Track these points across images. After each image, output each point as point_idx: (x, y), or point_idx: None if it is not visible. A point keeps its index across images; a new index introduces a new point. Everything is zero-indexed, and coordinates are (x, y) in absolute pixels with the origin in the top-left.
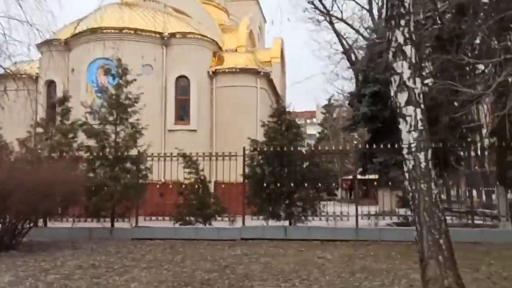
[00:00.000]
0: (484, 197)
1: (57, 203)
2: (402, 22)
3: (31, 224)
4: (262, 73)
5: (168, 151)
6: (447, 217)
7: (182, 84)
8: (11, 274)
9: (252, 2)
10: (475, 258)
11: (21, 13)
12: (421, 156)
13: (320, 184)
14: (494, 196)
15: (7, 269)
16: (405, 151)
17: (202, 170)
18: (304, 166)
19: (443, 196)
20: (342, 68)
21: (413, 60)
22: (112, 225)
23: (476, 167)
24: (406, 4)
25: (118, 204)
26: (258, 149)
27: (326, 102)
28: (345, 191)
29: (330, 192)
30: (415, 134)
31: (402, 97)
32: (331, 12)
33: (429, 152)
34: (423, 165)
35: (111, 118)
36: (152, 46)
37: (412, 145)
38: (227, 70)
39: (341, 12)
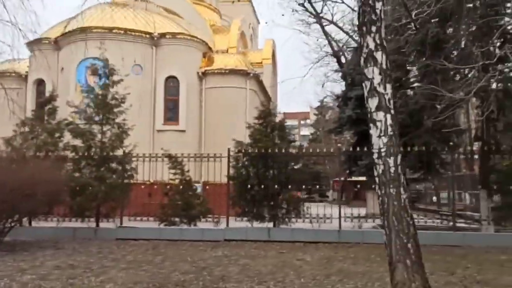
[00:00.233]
0: (471, 201)
1: (40, 202)
2: (373, 29)
3: (13, 224)
4: (251, 75)
5: (157, 151)
6: (435, 220)
7: (172, 85)
8: None
9: (245, 3)
10: (453, 261)
11: (4, 12)
12: (391, 161)
13: (304, 186)
14: None
15: None
16: (375, 156)
17: (188, 171)
18: (289, 167)
19: (434, 199)
20: (332, 70)
21: (384, 66)
22: (97, 225)
23: (465, 170)
24: (377, 11)
25: (103, 204)
26: (243, 150)
27: (319, 104)
28: (337, 193)
29: (322, 194)
30: (385, 139)
31: (373, 103)
32: (321, 15)
33: (399, 157)
34: (392, 169)
35: (97, 118)
36: (141, 46)
37: (382, 150)
38: (216, 71)
39: (332, 15)
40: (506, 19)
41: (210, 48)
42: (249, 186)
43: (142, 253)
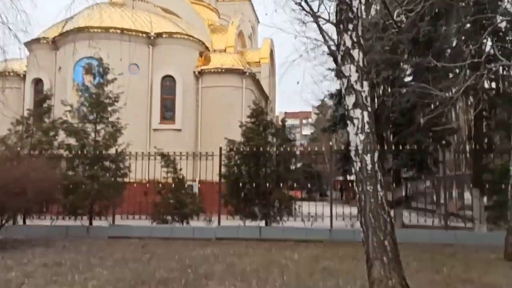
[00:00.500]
0: (467, 200)
1: (30, 201)
2: (350, 27)
3: (4, 222)
4: (247, 74)
5: (153, 150)
6: (428, 219)
7: (168, 84)
8: None
9: (244, 2)
10: (441, 260)
11: None
12: (368, 158)
13: (297, 184)
14: None
15: None
16: (352, 153)
17: (181, 169)
18: (281, 166)
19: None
20: (329, 69)
21: (361, 64)
22: (90, 223)
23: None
24: (354, 9)
25: (96, 202)
26: (235, 149)
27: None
28: (337, 192)
29: (322, 193)
30: (361, 137)
31: (350, 100)
32: (318, 14)
33: (376, 154)
34: (369, 167)
35: (91, 117)
36: (138, 45)
37: (359, 147)
38: (212, 70)
39: (329, 13)
40: (498, 17)
41: (207, 48)
42: (241, 184)
43: (131, 251)
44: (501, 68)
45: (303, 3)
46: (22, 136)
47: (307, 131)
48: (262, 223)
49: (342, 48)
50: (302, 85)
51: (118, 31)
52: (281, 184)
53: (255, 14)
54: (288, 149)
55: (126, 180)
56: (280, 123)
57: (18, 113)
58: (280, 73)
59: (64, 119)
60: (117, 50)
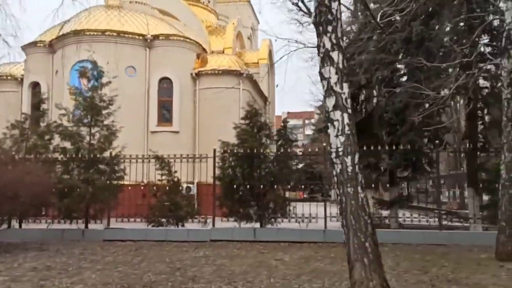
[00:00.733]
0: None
1: (24, 205)
2: (329, 28)
3: None
4: (245, 75)
5: (151, 153)
6: (423, 219)
7: (165, 86)
8: None
9: (243, 3)
10: (431, 260)
11: None
12: (348, 160)
13: (290, 186)
14: None
15: None
16: (333, 155)
17: (175, 171)
18: (275, 168)
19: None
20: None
21: (340, 66)
22: (86, 226)
23: (463, 169)
24: (333, 11)
25: (91, 205)
26: (229, 151)
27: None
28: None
29: (324, 194)
30: (342, 139)
31: (330, 102)
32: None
33: (356, 156)
34: (349, 169)
35: (85, 120)
36: (135, 48)
37: (340, 149)
38: (210, 72)
39: None
40: (491, 16)
41: (204, 49)
42: (235, 186)
43: (123, 254)
44: (493, 67)
45: (300, 4)
46: (17, 140)
47: (310, 131)
48: (257, 225)
49: (321, 50)
50: (300, 85)
51: (115, 33)
52: (275, 186)
53: (255, 15)
54: (288, 149)
55: (122, 183)
56: (282, 123)
57: (17, 117)
58: (279, 72)
59: (59, 123)
60: (114, 52)
